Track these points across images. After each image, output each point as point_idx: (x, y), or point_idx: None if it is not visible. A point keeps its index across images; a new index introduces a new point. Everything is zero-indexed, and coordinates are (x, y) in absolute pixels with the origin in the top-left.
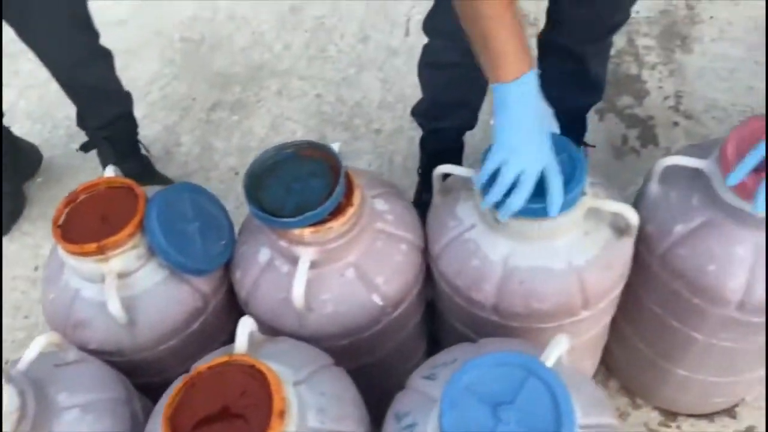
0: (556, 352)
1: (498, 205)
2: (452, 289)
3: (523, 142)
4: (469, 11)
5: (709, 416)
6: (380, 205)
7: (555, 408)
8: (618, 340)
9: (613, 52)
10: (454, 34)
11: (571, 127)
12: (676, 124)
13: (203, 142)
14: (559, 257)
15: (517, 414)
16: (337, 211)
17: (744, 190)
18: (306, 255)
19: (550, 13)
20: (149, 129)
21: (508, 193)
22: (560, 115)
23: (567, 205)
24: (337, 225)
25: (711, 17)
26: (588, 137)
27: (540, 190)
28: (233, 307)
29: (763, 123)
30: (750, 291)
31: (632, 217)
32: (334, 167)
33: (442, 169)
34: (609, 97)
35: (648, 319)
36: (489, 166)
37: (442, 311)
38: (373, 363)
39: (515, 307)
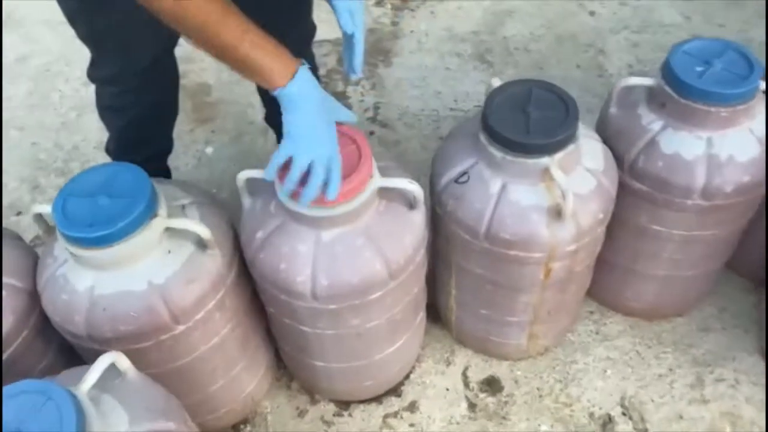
0: (96, 372)
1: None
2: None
3: (312, 133)
4: (209, 46)
5: (377, 399)
6: None
7: (60, 425)
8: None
9: (323, 72)
10: (114, 80)
11: None
12: (372, 133)
13: None
14: (140, 279)
15: None
16: None
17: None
18: None
19: None
20: None
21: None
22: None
23: (132, 228)
24: None
25: (411, 31)
26: None
27: (103, 216)
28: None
29: None
30: (314, 284)
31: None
32: None
33: (245, 174)
34: None
35: (277, 325)
36: (277, 160)
37: None
38: None
39: (105, 333)
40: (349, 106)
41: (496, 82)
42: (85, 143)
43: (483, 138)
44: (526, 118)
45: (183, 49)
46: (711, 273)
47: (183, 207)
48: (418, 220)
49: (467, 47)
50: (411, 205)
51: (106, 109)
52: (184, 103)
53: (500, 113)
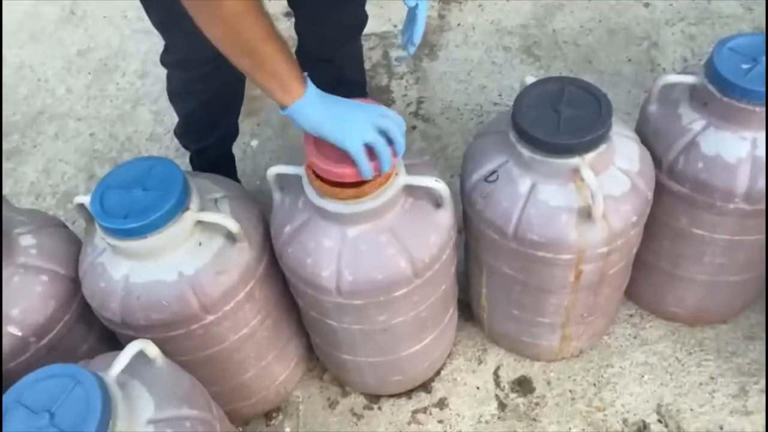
0: (124, 358)
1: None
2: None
3: (345, 122)
4: (235, 46)
5: (407, 394)
6: (26, 240)
7: (87, 408)
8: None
9: (368, 65)
10: (184, 66)
11: None
12: (414, 128)
13: None
14: (171, 270)
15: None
16: None
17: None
18: None
19: (297, 30)
20: None
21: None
22: None
23: (164, 221)
24: None
25: (458, 24)
26: None
27: (137, 209)
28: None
29: None
30: (339, 279)
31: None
32: None
33: (275, 170)
34: None
35: (307, 318)
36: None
37: None
38: None
39: (138, 320)
40: (392, 100)
41: (530, 79)
42: (137, 135)
43: (512, 136)
44: (557, 117)
45: None
46: (757, 278)
47: (215, 200)
48: (444, 218)
49: (515, 41)
50: (437, 203)
51: (175, 93)
52: None
53: (531, 111)
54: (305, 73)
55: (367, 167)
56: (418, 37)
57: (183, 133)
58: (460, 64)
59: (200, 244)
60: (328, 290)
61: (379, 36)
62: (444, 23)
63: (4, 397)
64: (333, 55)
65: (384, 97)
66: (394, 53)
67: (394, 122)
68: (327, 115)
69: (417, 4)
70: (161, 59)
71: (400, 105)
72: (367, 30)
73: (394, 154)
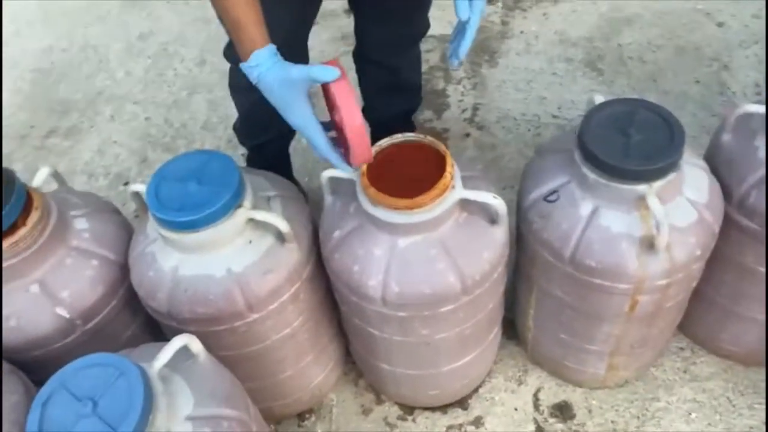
0: (168, 352)
1: None
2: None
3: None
4: None
5: (443, 408)
6: (80, 224)
7: (129, 401)
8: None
9: (425, 68)
10: None
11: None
12: (467, 135)
13: (33, 168)
14: (220, 265)
15: (100, 407)
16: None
17: None
18: None
19: (356, 31)
20: None
21: None
22: (386, 122)
23: (217, 216)
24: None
25: (521, 32)
26: None
27: (191, 202)
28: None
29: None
30: (385, 290)
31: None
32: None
33: (329, 173)
34: None
35: (348, 323)
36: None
37: None
38: None
39: (184, 313)
40: (447, 105)
41: (599, 99)
42: (192, 122)
43: (577, 157)
44: (627, 141)
45: None
46: None
47: (268, 199)
48: (499, 235)
49: (578, 53)
50: (493, 219)
51: (236, 88)
52: None
53: (598, 132)
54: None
55: (339, 162)
56: (464, 52)
57: (241, 128)
58: (520, 73)
59: (250, 241)
60: (373, 299)
61: (437, 38)
62: (506, 29)
63: (51, 379)
64: (391, 60)
65: (439, 102)
66: None
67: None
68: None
69: (469, 18)
70: (225, 52)
71: (455, 110)
72: None
73: None
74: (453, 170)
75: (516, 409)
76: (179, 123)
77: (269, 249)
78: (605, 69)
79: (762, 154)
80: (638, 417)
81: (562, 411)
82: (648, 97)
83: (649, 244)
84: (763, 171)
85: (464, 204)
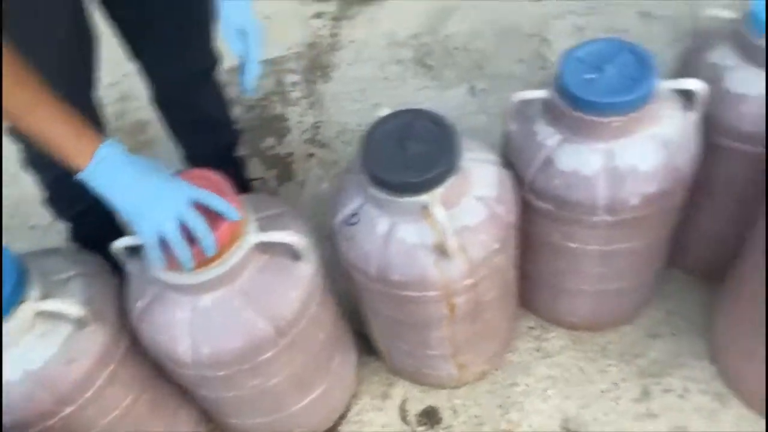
0: None
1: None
2: None
3: (142, 204)
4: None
5: None
6: None
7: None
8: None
9: (261, 94)
10: None
11: (228, 170)
12: (311, 155)
13: None
14: (15, 368)
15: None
16: None
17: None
18: None
19: (145, 79)
20: None
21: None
22: (207, 160)
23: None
24: None
25: (351, 41)
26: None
27: None
28: None
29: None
30: (195, 353)
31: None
32: None
33: (122, 242)
34: (253, 141)
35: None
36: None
37: None
38: None
39: None
40: (287, 129)
41: (383, 112)
42: None
43: (363, 178)
44: (404, 154)
45: (119, 88)
46: (645, 282)
47: (67, 280)
48: (305, 271)
49: (407, 52)
50: (296, 256)
51: (36, 164)
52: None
53: (378, 150)
54: (106, 140)
55: (166, 260)
56: (250, 83)
57: (52, 202)
58: (354, 83)
59: (43, 334)
60: (187, 365)
61: (271, 62)
62: (335, 41)
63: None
64: (188, 99)
65: (279, 126)
66: (288, 79)
67: (212, 195)
68: (125, 191)
69: (247, 52)
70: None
71: (296, 133)
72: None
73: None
74: (239, 216)
75: (384, 426)
76: None
77: (68, 337)
78: (434, 64)
79: (541, 137)
80: (501, 406)
81: (429, 417)
82: (478, 85)
83: (442, 251)
84: (544, 154)
85: (264, 247)
